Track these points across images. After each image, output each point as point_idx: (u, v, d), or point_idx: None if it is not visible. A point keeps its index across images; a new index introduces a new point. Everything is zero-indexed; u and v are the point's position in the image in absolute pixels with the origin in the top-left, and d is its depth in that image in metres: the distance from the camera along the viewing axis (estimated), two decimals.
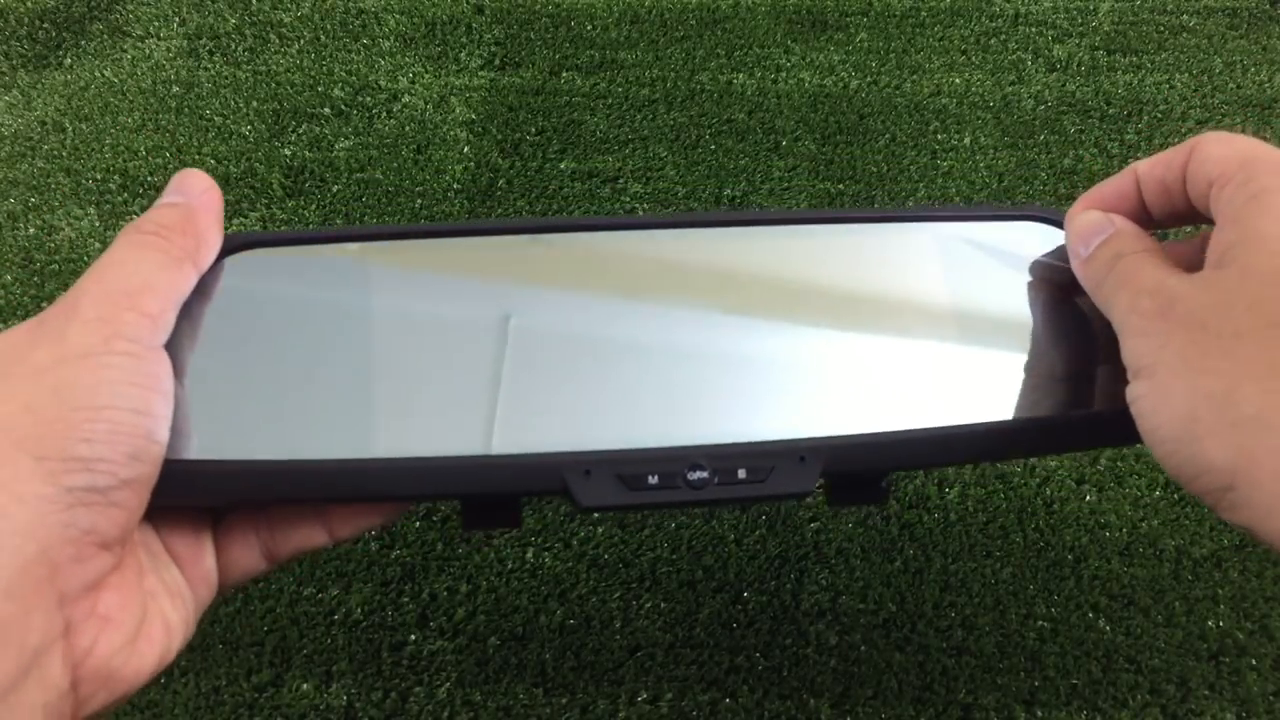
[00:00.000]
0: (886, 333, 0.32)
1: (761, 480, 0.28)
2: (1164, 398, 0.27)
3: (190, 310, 0.28)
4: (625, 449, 0.28)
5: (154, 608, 0.26)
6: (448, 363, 0.30)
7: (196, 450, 0.27)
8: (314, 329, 0.30)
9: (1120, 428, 0.29)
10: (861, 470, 0.29)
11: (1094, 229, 0.31)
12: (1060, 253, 0.33)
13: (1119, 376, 0.29)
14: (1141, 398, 0.28)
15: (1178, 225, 0.34)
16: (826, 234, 0.34)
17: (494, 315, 0.31)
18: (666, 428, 0.29)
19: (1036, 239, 0.34)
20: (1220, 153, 0.29)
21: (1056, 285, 0.34)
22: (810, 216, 0.34)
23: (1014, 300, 0.33)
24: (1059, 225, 0.34)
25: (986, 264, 0.34)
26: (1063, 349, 0.33)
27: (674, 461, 0.28)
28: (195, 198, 0.28)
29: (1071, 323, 0.33)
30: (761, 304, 0.32)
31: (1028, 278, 0.34)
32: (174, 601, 0.27)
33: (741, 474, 0.28)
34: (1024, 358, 0.32)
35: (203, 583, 0.29)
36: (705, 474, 0.27)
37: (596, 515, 0.63)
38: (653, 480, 0.27)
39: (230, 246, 0.30)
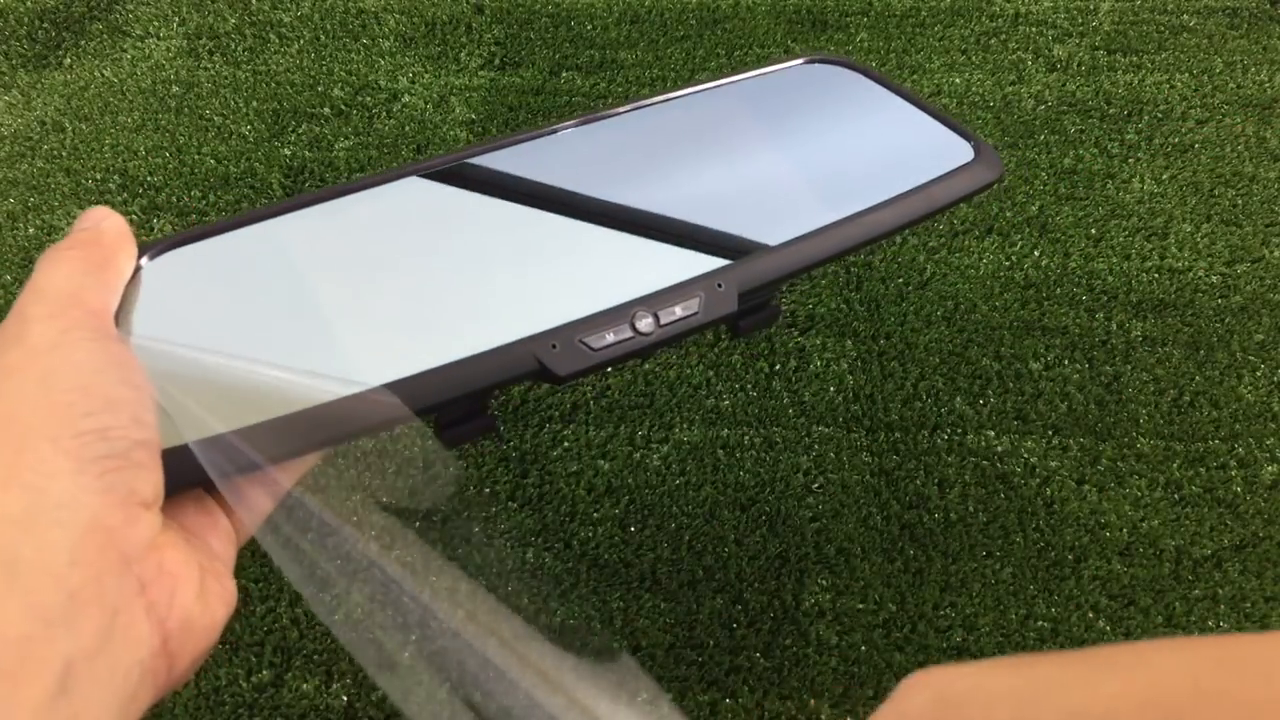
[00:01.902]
0: (743, 175, 0.39)
1: (695, 312, 0.32)
2: None
3: (127, 313, 0.30)
4: (576, 319, 0.32)
5: (206, 565, 0.28)
6: (384, 294, 0.33)
7: (176, 438, 0.28)
8: (251, 298, 0.33)
9: (972, 171, 0.38)
10: (768, 282, 0.34)
11: None
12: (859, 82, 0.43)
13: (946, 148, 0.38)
14: None
15: None
16: (671, 110, 0.40)
17: (420, 239, 0.35)
18: (603, 293, 0.33)
19: (828, 75, 0.43)
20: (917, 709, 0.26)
21: (869, 103, 0.42)
22: (653, 101, 0.40)
23: (840, 120, 0.41)
24: (839, 64, 0.43)
25: (800, 99, 0.42)
26: (893, 143, 0.41)
27: (621, 317, 0.32)
28: (99, 223, 0.31)
29: (890, 126, 0.41)
30: (646, 174, 0.38)
31: (844, 103, 0.42)
32: (212, 562, 0.29)
33: (678, 311, 0.32)
34: (863, 161, 0.40)
35: (225, 542, 0.31)
36: (650, 319, 0.32)
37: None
38: (610, 337, 0.32)
39: (151, 252, 0.32)
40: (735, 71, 0.42)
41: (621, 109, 0.39)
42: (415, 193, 0.36)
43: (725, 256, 0.34)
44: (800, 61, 0.43)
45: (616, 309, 0.32)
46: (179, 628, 0.26)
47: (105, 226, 0.31)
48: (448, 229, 0.35)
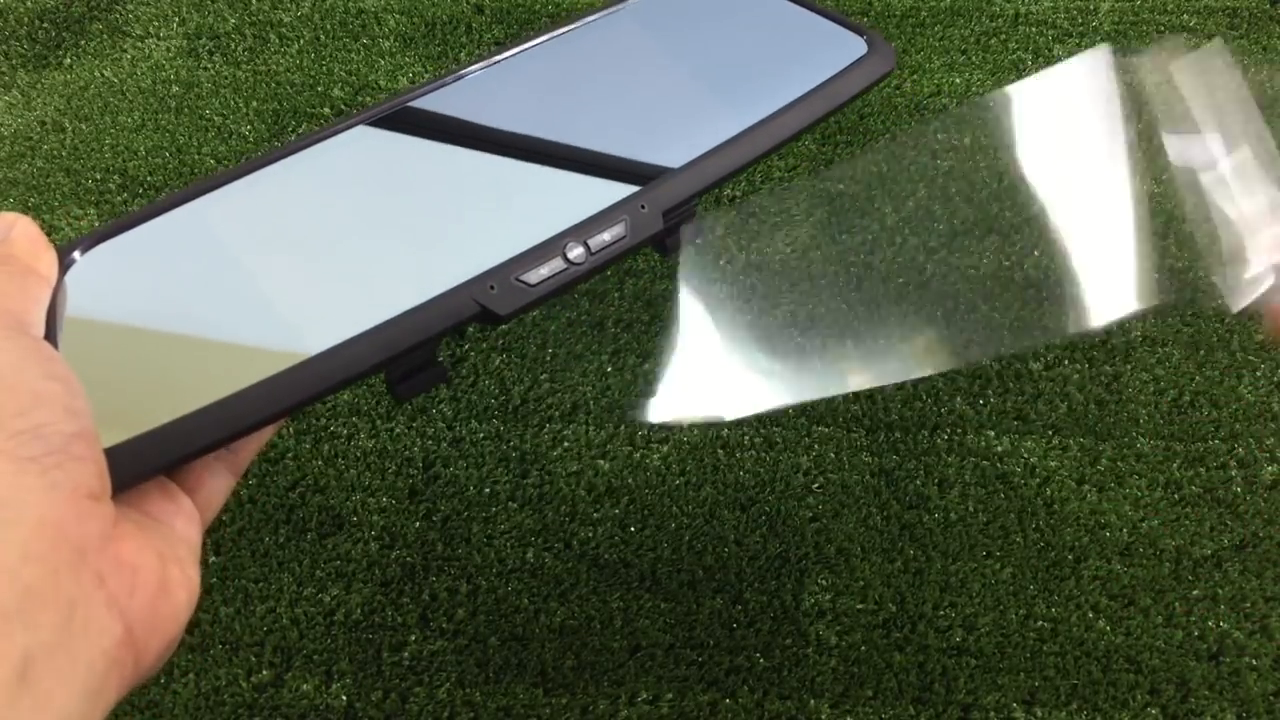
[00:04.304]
0: (651, 93, 0.40)
1: (623, 236, 0.33)
2: None
3: (60, 315, 0.30)
4: (509, 258, 0.33)
5: (167, 554, 0.28)
6: (318, 258, 0.34)
7: (129, 429, 0.28)
8: (185, 282, 0.33)
9: (868, 64, 0.39)
10: (688, 197, 0.35)
11: None
12: None
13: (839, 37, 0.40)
14: None
15: None
16: (568, 42, 0.41)
17: (341, 202, 0.35)
18: (531, 229, 0.34)
19: None
20: None
21: (759, 12, 0.42)
22: (541, 36, 0.41)
23: (732, 31, 0.42)
24: None
25: (690, 15, 0.42)
26: (788, 47, 0.41)
27: (553, 250, 0.33)
28: (7, 231, 0.30)
29: (784, 30, 0.42)
30: (555, 108, 0.39)
31: (733, 14, 0.42)
32: (174, 548, 0.29)
33: (606, 237, 0.33)
34: (762, 69, 0.40)
35: (190, 524, 0.31)
36: (580, 249, 0.33)
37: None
38: (545, 271, 0.33)
39: (75, 250, 0.32)
40: None
41: (512, 49, 0.40)
42: (331, 154, 0.36)
43: (644, 179, 0.35)
44: None
45: (547, 243, 0.33)
46: (142, 618, 0.25)
47: (15, 235, 0.30)
48: (362, 186, 0.36)
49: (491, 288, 0.32)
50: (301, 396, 0.30)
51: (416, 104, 0.38)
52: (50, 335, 0.29)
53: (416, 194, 0.36)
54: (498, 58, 0.40)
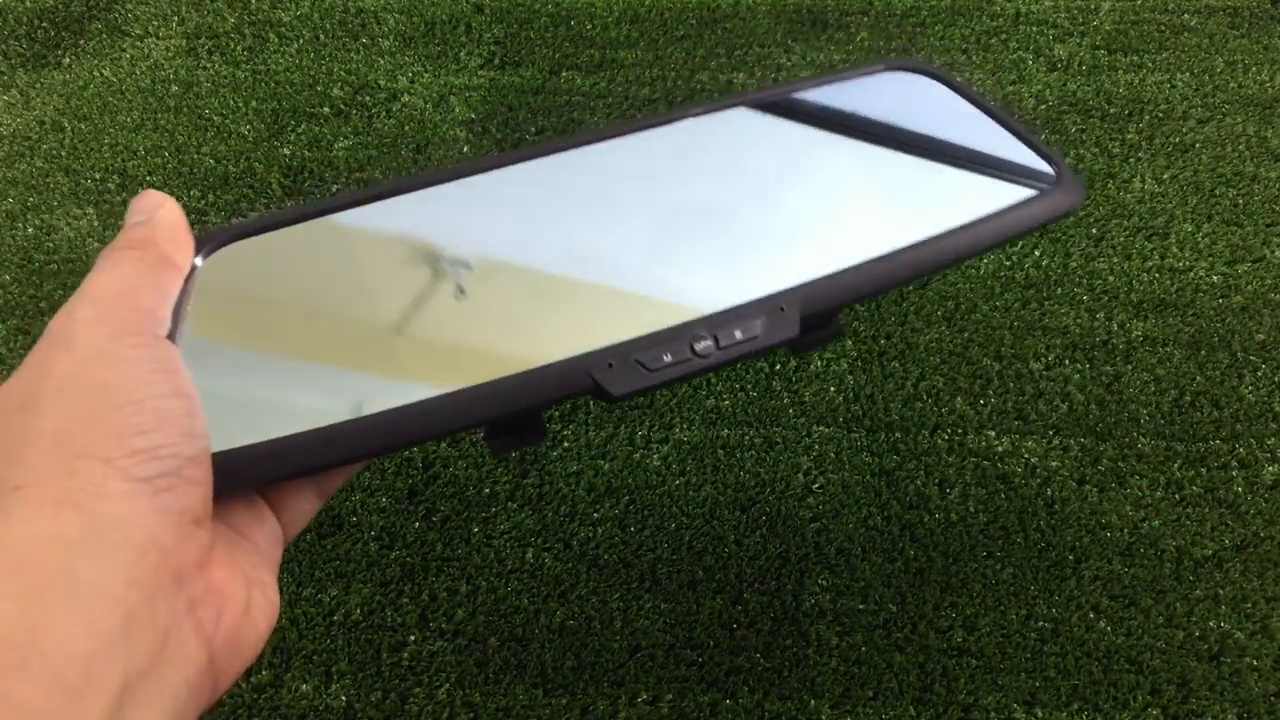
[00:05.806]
0: (816, 187, 0.37)
1: (755, 335, 0.32)
2: None
3: (185, 310, 0.29)
4: (633, 338, 0.31)
5: (251, 576, 0.28)
6: (449, 298, 0.33)
7: (232, 439, 0.28)
8: (311, 298, 0.32)
9: (1053, 198, 0.36)
10: (830, 306, 0.33)
11: None
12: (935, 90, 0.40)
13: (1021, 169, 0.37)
14: None
15: None
16: (735, 118, 0.39)
17: (479, 249, 0.34)
18: (661, 313, 0.32)
19: (908, 83, 0.41)
20: None
21: (949, 116, 0.40)
22: (710, 106, 0.38)
23: (918, 135, 0.39)
24: (920, 71, 0.41)
25: (878, 110, 0.40)
26: (972, 162, 0.39)
27: (679, 338, 0.31)
28: (154, 212, 0.30)
29: (971, 144, 0.39)
30: (710, 187, 0.36)
31: (922, 116, 0.40)
32: (257, 569, 0.29)
33: (737, 334, 0.32)
34: (939, 179, 0.38)
35: (272, 542, 0.30)
36: (709, 342, 0.31)
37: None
38: (667, 358, 0.31)
39: (209, 245, 0.31)
40: (814, 77, 0.40)
41: (679, 115, 0.38)
42: (470, 194, 0.35)
43: (791, 275, 0.33)
44: (881, 67, 0.41)
45: (676, 329, 0.31)
46: (224, 645, 0.26)
47: (159, 218, 0.29)
48: (501, 234, 0.34)
49: (610, 364, 0.30)
50: (410, 437, 0.29)
51: (550, 157, 0.36)
52: (172, 333, 0.28)
53: (558, 249, 0.34)
54: (652, 122, 0.37)
